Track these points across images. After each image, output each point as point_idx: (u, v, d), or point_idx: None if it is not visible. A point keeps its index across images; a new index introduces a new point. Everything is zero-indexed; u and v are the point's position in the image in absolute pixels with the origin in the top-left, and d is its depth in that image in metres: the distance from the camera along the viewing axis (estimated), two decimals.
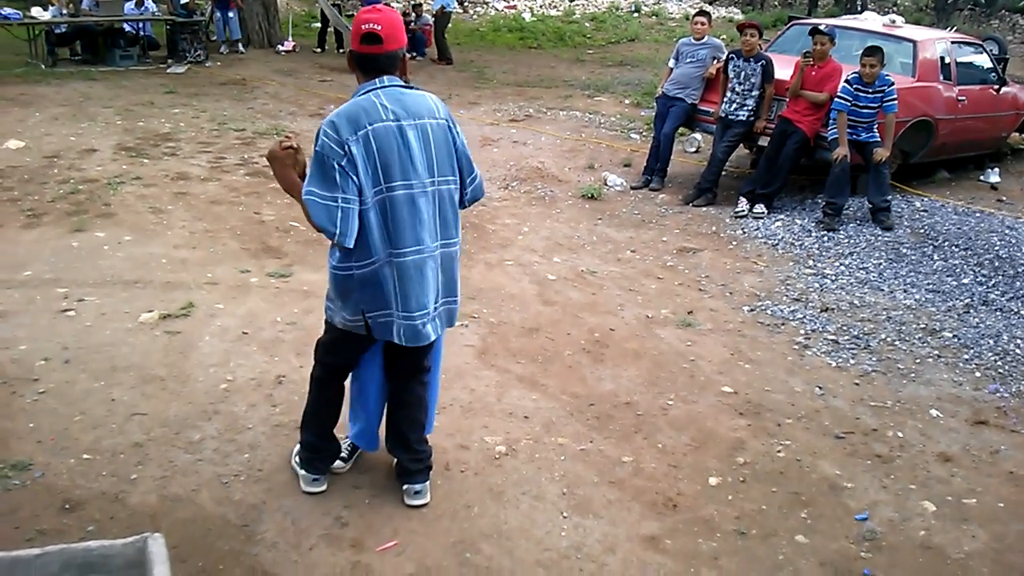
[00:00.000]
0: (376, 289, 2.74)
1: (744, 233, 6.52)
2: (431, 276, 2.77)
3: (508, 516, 3.08)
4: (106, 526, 2.86)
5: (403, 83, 2.74)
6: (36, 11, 11.84)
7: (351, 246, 2.65)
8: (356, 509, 3.05)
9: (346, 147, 2.58)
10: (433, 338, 2.86)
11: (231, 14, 13.75)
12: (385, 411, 3.18)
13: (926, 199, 7.33)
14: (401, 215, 2.67)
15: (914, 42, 7.46)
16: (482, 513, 3.08)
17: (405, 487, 3.10)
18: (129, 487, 3.08)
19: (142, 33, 13.06)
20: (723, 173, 7.36)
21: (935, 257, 5.99)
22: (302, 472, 3.13)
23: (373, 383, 3.14)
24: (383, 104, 2.65)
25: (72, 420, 3.45)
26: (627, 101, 11.39)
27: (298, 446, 3.19)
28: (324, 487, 3.12)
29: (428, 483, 3.12)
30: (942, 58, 7.52)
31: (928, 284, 5.57)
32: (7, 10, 12.19)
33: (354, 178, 2.59)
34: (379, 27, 2.65)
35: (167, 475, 3.16)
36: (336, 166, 2.58)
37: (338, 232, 2.60)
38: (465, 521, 3.04)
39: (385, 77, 2.70)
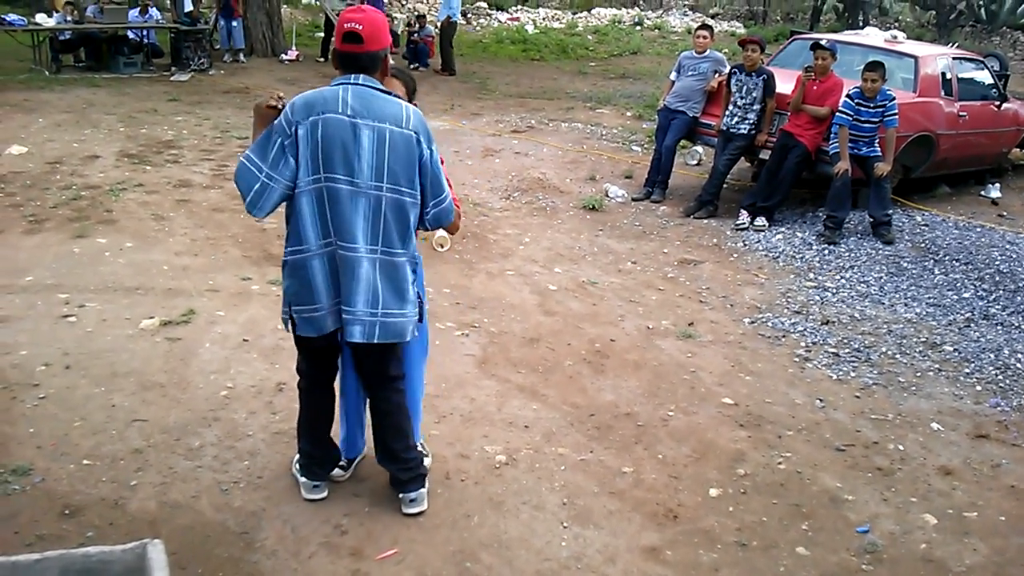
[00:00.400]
0: (303, 281, 2.77)
1: (745, 245, 6.53)
2: (364, 278, 2.73)
3: (508, 526, 3.07)
4: (106, 532, 2.85)
5: (379, 85, 2.75)
6: (40, 17, 11.90)
7: (259, 217, 2.77)
8: (356, 517, 3.05)
9: (293, 128, 2.65)
10: (358, 340, 2.77)
11: (235, 23, 13.79)
12: (369, 423, 3.17)
13: (927, 213, 7.34)
14: (338, 209, 2.70)
15: (916, 58, 7.49)
16: (482, 522, 3.08)
17: (400, 496, 3.09)
18: (129, 493, 3.08)
19: (146, 40, 13.08)
20: (724, 186, 7.37)
21: (936, 271, 6.00)
22: (302, 479, 3.13)
23: (352, 389, 3.15)
24: (345, 98, 2.68)
25: (72, 426, 3.45)
26: (629, 113, 11.42)
27: (297, 453, 3.19)
28: (324, 494, 3.12)
29: (423, 490, 3.11)
30: (943, 74, 7.54)
31: (929, 298, 5.58)
32: (12, 16, 12.22)
33: (291, 160, 2.65)
34: (360, 27, 2.68)
35: (167, 481, 3.16)
36: (279, 143, 2.66)
37: (249, 199, 2.69)
38: (465, 530, 3.03)
39: (362, 76, 2.72)
